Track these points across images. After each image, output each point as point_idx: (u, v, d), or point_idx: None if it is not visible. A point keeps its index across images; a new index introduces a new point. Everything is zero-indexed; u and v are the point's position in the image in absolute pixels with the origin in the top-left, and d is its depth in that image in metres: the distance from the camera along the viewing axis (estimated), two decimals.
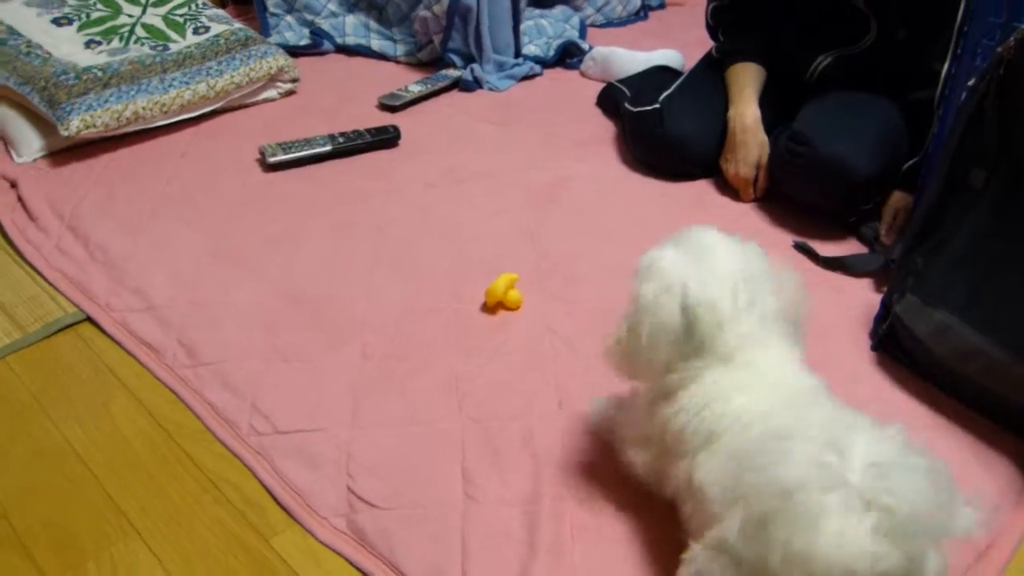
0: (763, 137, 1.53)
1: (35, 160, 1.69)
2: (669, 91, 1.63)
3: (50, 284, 1.35)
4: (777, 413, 0.73)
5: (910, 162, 1.41)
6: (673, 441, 0.80)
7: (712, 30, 1.70)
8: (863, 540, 0.57)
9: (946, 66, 1.31)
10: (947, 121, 1.28)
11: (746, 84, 1.58)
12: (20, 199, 1.57)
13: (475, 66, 2.06)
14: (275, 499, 0.97)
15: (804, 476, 0.59)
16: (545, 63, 2.16)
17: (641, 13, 2.58)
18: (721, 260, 0.81)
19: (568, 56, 2.19)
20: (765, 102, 1.57)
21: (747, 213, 1.51)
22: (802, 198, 1.46)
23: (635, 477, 0.90)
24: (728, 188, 1.58)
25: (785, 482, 0.60)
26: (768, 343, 0.79)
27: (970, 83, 1.08)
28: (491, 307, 1.25)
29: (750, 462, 0.65)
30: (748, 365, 0.78)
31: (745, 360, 0.78)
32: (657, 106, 1.60)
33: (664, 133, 1.59)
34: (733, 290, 0.78)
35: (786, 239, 1.43)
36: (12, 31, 1.83)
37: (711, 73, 1.66)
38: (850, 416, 0.69)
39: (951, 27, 1.28)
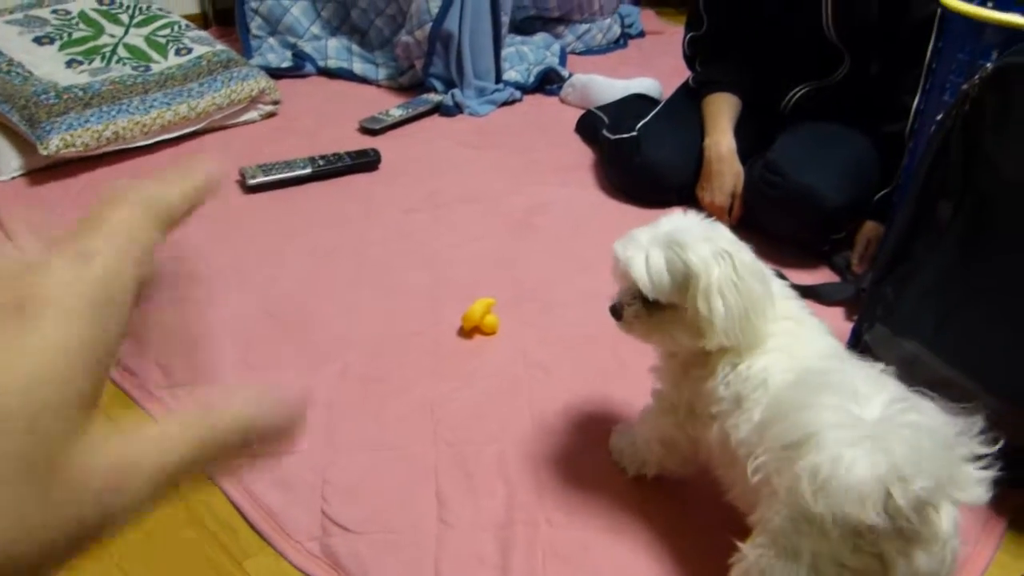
0: (738, 167, 1.56)
1: (13, 179, 1.69)
2: (646, 119, 1.66)
3: None
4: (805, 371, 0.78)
5: (881, 192, 1.45)
6: (705, 404, 0.83)
7: (689, 60, 1.73)
8: (870, 474, 0.61)
9: (916, 100, 1.35)
10: (916, 154, 1.31)
11: (721, 114, 1.61)
12: None
13: (456, 91, 2.09)
14: (248, 522, 0.97)
15: (826, 418, 0.65)
16: (525, 89, 2.19)
17: (621, 41, 2.63)
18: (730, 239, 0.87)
19: (548, 83, 2.23)
20: (740, 132, 1.60)
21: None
22: (775, 227, 1.49)
23: (658, 468, 0.96)
24: (702, 213, 1.60)
25: (808, 424, 0.66)
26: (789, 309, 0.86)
27: (938, 118, 1.11)
28: (467, 331, 1.26)
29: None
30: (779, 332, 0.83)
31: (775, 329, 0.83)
32: (634, 134, 1.63)
33: (641, 161, 1.61)
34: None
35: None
36: None
37: (688, 101, 1.69)
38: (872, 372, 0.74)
39: (922, 63, 1.33)
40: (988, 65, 1.02)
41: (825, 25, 1.46)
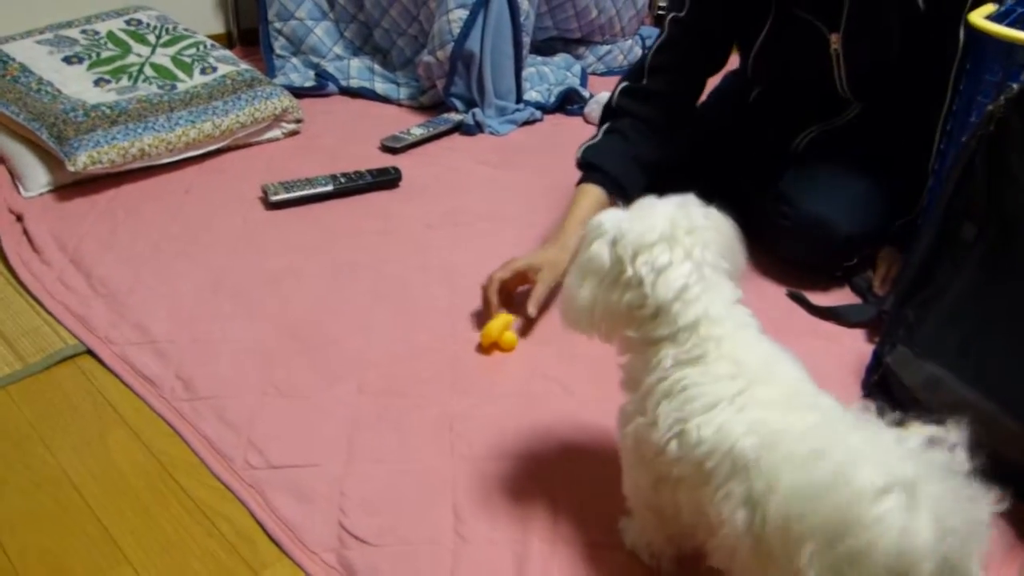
0: (560, 258, 1.33)
1: (41, 194, 1.72)
2: None
3: (52, 316, 1.36)
4: (793, 428, 0.69)
5: (903, 220, 1.44)
6: (670, 466, 0.76)
7: (634, 76, 1.49)
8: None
9: (940, 123, 1.34)
10: (942, 175, 1.31)
11: (586, 207, 1.37)
12: (26, 232, 1.60)
13: (477, 110, 2.10)
14: (266, 533, 0.98)
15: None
16: (546, 109, 2.21)
17: None
18: (658, 212, 0.80)
19: (568, 103, 2.24)
20: (749, 169, 1.57)
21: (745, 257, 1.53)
22: (790, 255, 1.48)
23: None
24: None
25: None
26: (722, 315, 0.77)
27: (964, 139, 1.10)
28: (486, 348, 1.27)
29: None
30: (718, 356, 0.75)
31: (709, 345, 0.76)
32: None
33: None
34: (667, 235, 0.78)
35: (780, 288, 1.45)
36: (24, 68, 1.87)
37: (707, 116, 1.67)
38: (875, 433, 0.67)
39: (939, 99, 1.31)
40: (1014, 86, 1.02)
41: (839, 84, 1.43)
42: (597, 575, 0.91)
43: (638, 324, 0.79)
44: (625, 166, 1.41)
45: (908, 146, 1.43)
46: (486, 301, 1.31)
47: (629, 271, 0.78)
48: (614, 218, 0.82)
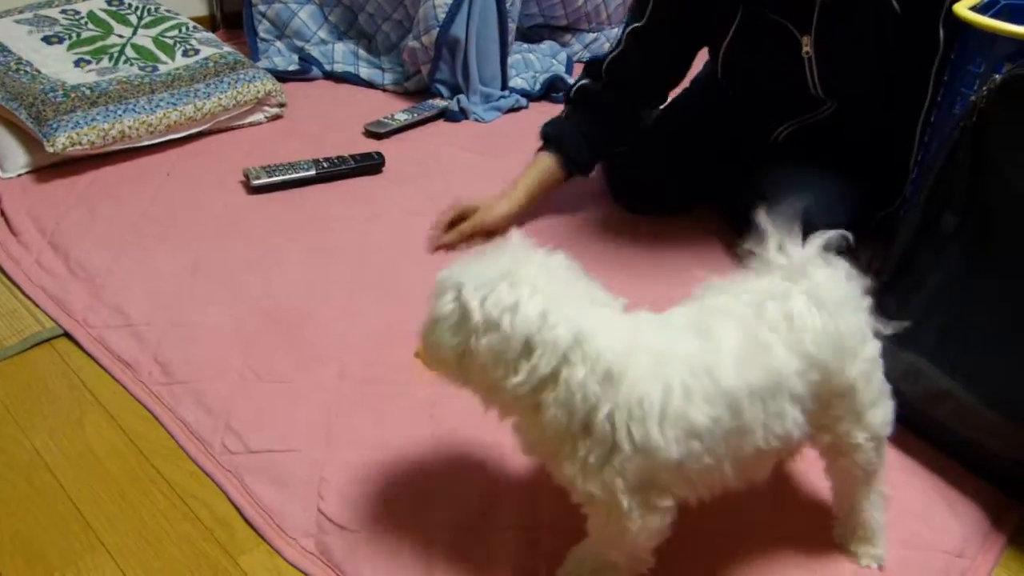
0: (505, 209, 1.49)
1: (20, 175, 1.70)
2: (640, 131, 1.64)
3: (29, 299, 1.35)
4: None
5: (883, 212, 1.44)
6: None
7: (591, 70, 1.57)
8: None
9: (922, 115, 1.34)
10: (924, 165, 1.31)
11: (543, 170, 1.54)
12: (3, 213, 1.58)
13: (462, 97, 2.09)
14: (244, 518, 0.97)
15: None
16: (531, 96, 2.20)
17: None
18: (497, 256, 0.79)
19: (554, 90, 2.23)
20: (727, 165, 1.57)
21: (729, 248, 1.53)
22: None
23: None
24: (703, 220, 1.61)
25: None
26: (597, 326, 0.75)
27: (947, 130, 1.11)
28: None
29: None
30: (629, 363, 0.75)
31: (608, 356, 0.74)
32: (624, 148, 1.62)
33: (632, 173, 1.62)
34: (507, 273, 0.75)
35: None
36: (3, 48, 1.84)
37: (681, 109, 1.67)
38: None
39: (916, 94, 1.31)
40: (997, 77, 1.02)
41: (812, 86, 1.41)
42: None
43: (513, 369, 0.74)
44: (579, 144, 1.54)
45: (886, 139, 1.43)
46: (433, 239, 1.46)
47: (477, 316, 0.74)
48: (452, 271, 0.80)
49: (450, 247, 1.46)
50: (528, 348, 0.73)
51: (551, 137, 1.55)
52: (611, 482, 0.75)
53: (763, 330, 0.77)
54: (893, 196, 1.43)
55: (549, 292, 0.75)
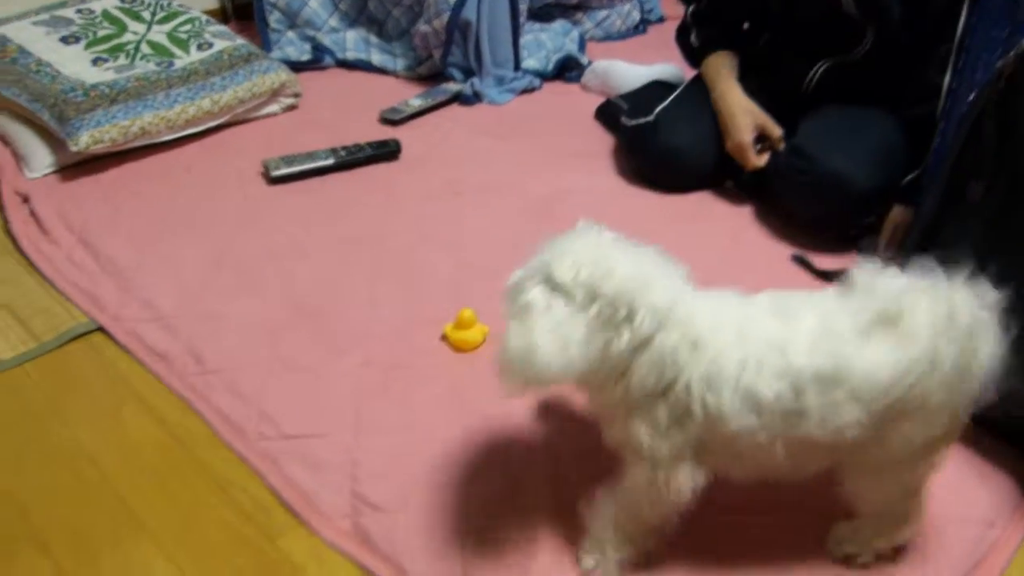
0: (747, 102, 1.58)
1: (45, 175, 1.73)
2: (665, 104, 1.66)
3: (63, 295, 1.39)
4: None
5: (910, 176, 1.44)
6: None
7: (682, 33, 1.75)
8: None
9: (947, 79, 1.33)
10: (948, 134, 1.30)
11: (721, 68, 1.64)
12: (32, 213, 1.61)
13: (475, 80, 2.10)
14: (281, 501, 1.00)
15: None
16: (544, 77, 2.20)
17: (640, 27, 2.62)
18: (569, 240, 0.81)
19: (567, 70, 2.23)
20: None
21: (746, 226, 1.55)
22: (804, 213, 1.48)
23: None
24: (726, 198, 1.62)
25: None
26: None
27: (970, 97, 1.10)
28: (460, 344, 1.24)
29: None
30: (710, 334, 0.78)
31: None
32: (651, 119, 1.64)
33: (658, 146, 1.62)
34: (594, 248, 0.78)
35: (785, 252, 1.46)
36: (22, 50, 1.88)
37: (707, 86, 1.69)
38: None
39: (950, 38, 1.29)
40: None
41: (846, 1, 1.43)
42: None
43: (615, 327, 0.75)
44: (730, 32, 1.69)
45: (917, 92, 1.42)
46: (751, 162, 1.55)
47: (578, 293, 0.75)
48: (533, 264, 0.81)
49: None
50: (631, 312, 0.74)
51: (711, 39, 1.68)
52: (678, 444, 0.79)
53: (848, 323, 0.76)
54: (917, 161, 1.42)
55: (636, 260, 0.77)
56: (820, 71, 1.54)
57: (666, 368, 0.76)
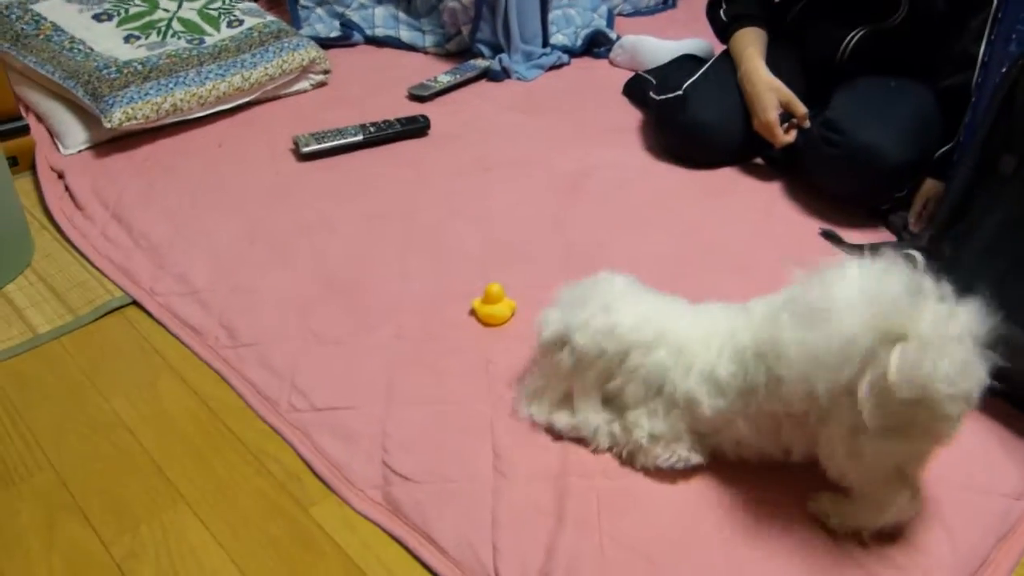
0: (772, 79, 1.57)
1: (80, 151, 1.76)
2: (694, 78, 1.65)
3: (98, 270, 1.41)
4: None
5: (942, 149, 1.41)
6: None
7: (715, 8, 1.74)
8: None
9: (981, 51, 1.31)
10: (979, 107, 1.28)
11: (747, 45, 1.64)
12: (67, 189, 1.64)
13: (503, 56, 2.10)
14: (313, 472, 1.02)
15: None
16: (573, 52, 2.19)
17: (669, 2, 2.60)
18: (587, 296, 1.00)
19: (596, 45, 2.22)
20: (794, 87, 1.57)
21: (775, 200, 1.53)
22: (835, 187, 1.47)
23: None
24: (754, 173, 1.61)
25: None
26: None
27: (1003, 69, 1.08)
28: (489, 318, 1.25)
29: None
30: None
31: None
32: (680, 93, 1.62)
33: (686, 120, 1.61)
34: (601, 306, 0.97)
35: (814, 226, 1.45)
36: (56, 27, 1.90)
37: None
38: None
39: (985, 7, 1.27)
40: None
41: None
42: (638, 508, 0.94)
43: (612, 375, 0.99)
44: (762, 9, 1.68)
45: (952, 63, 1.39)
46: (780, 138, 1.54)
47: (591, 353, 0.97)
48: (559, 315, 1.01)
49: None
50: (625, 353, 0.96)
51: (740, 14, 1.68)
52: (674, 425, 0.95)
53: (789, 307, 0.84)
54: (949, 135, 1.40)
55: (634, 303, 0.98)
56: (855, 39, 1.52)
57: (653, 378, 0.95)
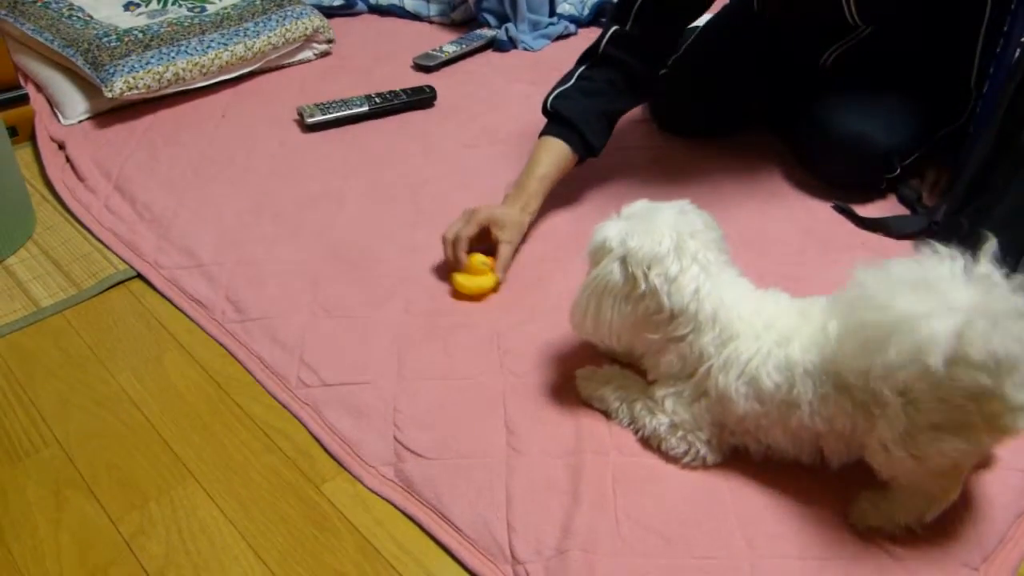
0: (514, 212, 1.28)
1: (80, 122, 1.73)
2: (679, 53, 1.60)
3: (101, 242, 1.39)
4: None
5: (948, 128, 1.40)
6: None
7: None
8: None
9: (984, 23, 1.29)
10: (998, 79, 1.26)
11: (539, 164, 1.32)
12: (68, 160, 1.61)
13: (509, 25, 2.06)
14: (324, 448, 1.00)
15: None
16: (580, 22, 2.16)
17: None
18: (662, 223, 0.90)
19: (603, 15, 2.18)
20: (779, 94, 1.54)
21: (790, 173, 1.51)
22: (830, 176, 1.45)
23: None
24: (766, 147, 1.58)
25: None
26: (735, 300, 0.90)
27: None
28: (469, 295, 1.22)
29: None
30: (746, 327, 0.88)
31: (737, 326, 0.88)
32: (664, 71, 1.58)
33: (667, 101, 1.60)
34: (674, 246, 0.88)
35: (825, 202, 1.42)
36: None
37: (721, 31, 1.62)
38: None
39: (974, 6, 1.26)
40: None
41: (848, 15, 1.36)
42: (652, 485, 0.93)
43: (656, 327, 0.91)
44: (594, 122, 1.34)
45: (942, 53, 1.37)
46: (455, 258, 1.22)
47: (643, 285, 0.89)
48: (619, 234, 0.91)
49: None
50: (672, 316, 0.89)
51: (561, 117, 1.33)
52: (698, 415, 0.93)
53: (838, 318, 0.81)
54: (958, 111, 1.39)
55: (704, 264, 0.89)
56: (834, 55, 1.47)
57: (690, 358, 0.91)
